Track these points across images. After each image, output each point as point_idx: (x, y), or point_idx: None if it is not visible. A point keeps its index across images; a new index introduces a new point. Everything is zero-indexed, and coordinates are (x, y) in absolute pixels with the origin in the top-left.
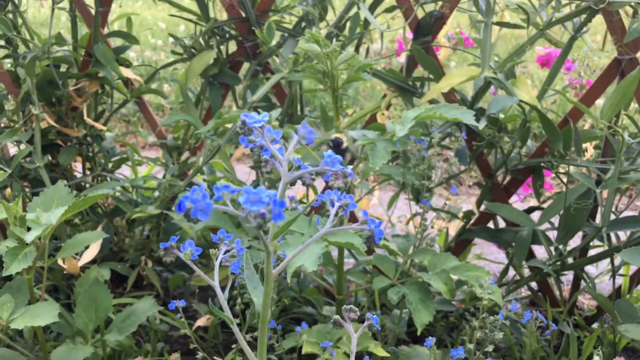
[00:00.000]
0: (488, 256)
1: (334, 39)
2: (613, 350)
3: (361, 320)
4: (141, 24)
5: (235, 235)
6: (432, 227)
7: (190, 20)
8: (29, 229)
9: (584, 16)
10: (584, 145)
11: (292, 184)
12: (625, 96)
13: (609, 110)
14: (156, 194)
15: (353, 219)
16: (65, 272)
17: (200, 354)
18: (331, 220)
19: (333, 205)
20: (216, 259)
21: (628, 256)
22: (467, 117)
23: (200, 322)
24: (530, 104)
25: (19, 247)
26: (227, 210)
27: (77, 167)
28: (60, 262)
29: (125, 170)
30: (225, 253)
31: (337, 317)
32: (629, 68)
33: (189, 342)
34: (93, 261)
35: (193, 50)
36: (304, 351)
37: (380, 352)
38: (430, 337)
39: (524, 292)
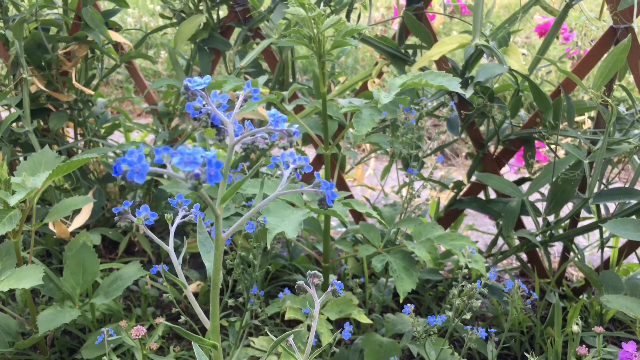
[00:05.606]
0: (481, 227)
1: (322, 4)
2: (600, 321)
3: (349, 288)
4: None
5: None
6: (419, 197)
7: None
8: (14, 192)
9: None
10: (583, 117)
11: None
12: (616, 65)
13: (599, 79)
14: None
15: (343, 186)
16: (56, 237)
17: (182, 318)
18: (284, 182)
19: (288, 167)
20: (172, 224)
21: (612, 227)
22: (453, 84)
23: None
24: (520, 72)
25: (4, 210)
26: (165, 172)
27: (71, 132)
28: (50, 226)
29: (120, 137)
30: (183, 218)
31: (301, 282)
32: (624, 37)
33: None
34: (86, 227)
35: (183, 15)
36: (286, 317)
37: (363, 318)
38: (408, 305)
39: (515, 263)
